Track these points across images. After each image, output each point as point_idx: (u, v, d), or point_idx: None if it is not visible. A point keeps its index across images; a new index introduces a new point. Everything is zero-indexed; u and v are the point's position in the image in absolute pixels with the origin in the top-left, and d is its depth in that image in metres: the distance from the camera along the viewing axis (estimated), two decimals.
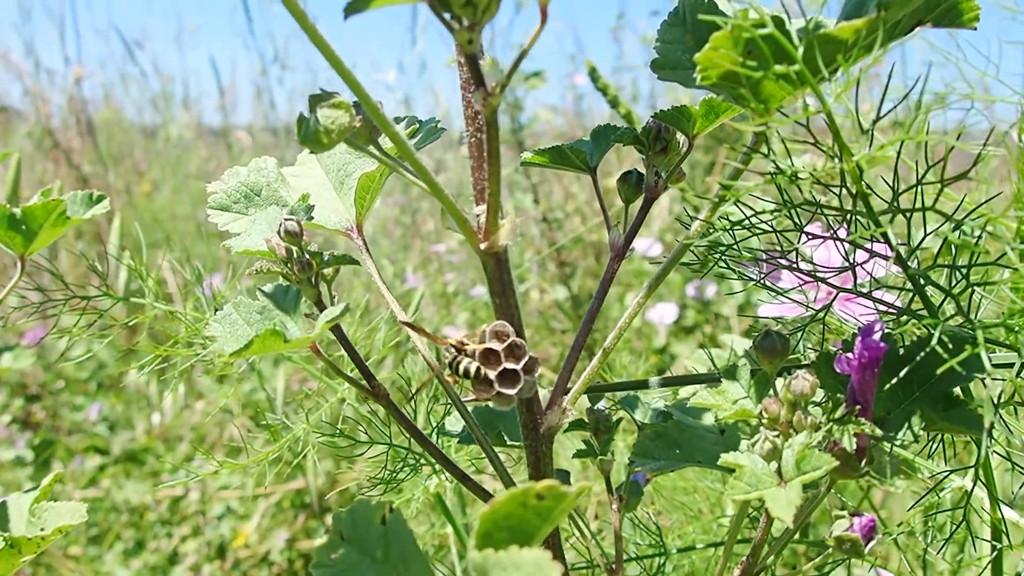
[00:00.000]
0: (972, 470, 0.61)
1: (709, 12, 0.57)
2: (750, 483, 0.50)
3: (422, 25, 5.66)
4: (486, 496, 0.67)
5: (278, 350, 0.58)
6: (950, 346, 0.52)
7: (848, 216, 0.56)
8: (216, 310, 0.63)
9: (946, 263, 0.56)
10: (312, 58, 7.15)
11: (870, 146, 0.51)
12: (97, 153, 5.14)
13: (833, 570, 0.72)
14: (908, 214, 0.55)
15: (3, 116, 5.57)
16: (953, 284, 0.56)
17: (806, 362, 0.67)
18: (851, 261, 0.61)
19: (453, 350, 0.58)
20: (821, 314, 0.68)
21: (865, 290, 0.62)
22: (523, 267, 3.15)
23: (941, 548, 0.87)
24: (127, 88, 6.56)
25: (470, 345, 0.57)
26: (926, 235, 0.56)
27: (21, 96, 5.60)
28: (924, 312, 0.58)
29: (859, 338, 0.52)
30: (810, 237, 0.62)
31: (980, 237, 0.53)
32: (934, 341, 0.51)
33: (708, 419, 0.67)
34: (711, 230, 0.64)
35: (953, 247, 0.56)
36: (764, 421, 0.54)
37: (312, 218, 0.67)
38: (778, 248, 0.64)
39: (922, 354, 0.55)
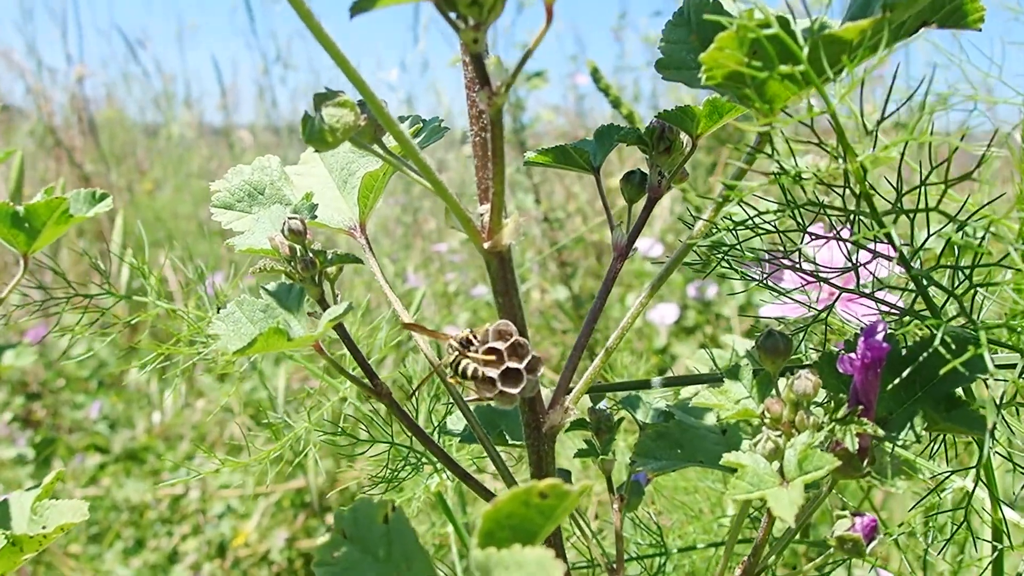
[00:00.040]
0: (973, 471, 0.61)
1: (714, 12, 0.57)
2: (752, 483, 0.51)
3: (424, 24, 5.67)
4: (488, 495, 0.67)
5: (281, 348, 0.58)
6: (953, 347, 0.52)
7: (851, 216, 0.56)
8: (219, 308, 0.63)
9: (949, 264, 0.56)
10: (315, 57, 7.16)
11: (874, 147, 0.51)
12: (99, 152, 5.14)
13: (834, 570, 0.72)
14: (911, 215, 0.55)
15: (5, 115, 5.57)
16: (956, 285, 0.56)
17: (808, 362, 0.67)
18: (854, 261, 0.61)
19: (456, 350, 0.58)
20: (824, 314, 0.68)
21: (868, 290, 0.62)
22: (524, 267, 3.15)
23: (942, 549, 0.86)
24: (129, 87, 6.57)
25: (475, 343, 0.57)
26: (929, 236, 0.56)
27: (23, 95, 5.60)
28: (927, 313, 0.58)
29: (862, 338, 0.52)
30: (813, 237, 0.62)
31: (983, 238, 0.53)
32: (937, 342, 0.51)
33: (710, 419, 0.67)
34: (714, 230, 0.64)
35: (956, 248, 0.56)
36: (766, 421, 0.54)
37: (315, 217, 0.67)
38: (781, 248, 0.64)
39: (925, 355, 0.55)
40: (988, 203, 0.52)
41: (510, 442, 0.74)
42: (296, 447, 0.95)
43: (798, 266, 0.64)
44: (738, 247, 0.66)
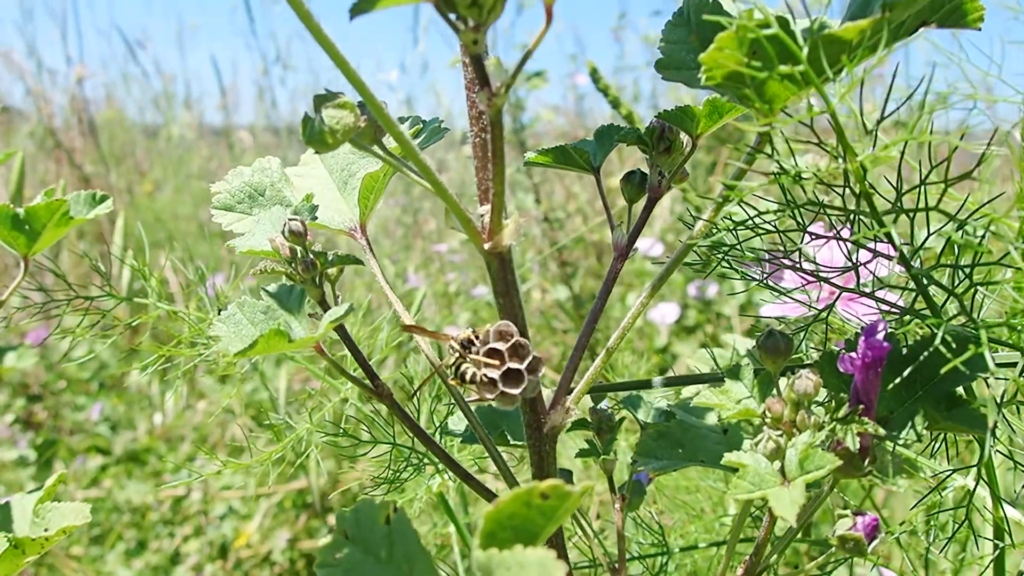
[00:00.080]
0: (974, 469, 0.61)
1: (713, 12, 0.57)
2: (753, 482, 0.51)
3: (424, 25, 5.67)
4: (489, 495, 0.67)
5: (282, 350, 0.58)
6: (953, 346, 0.52)
7: (851, 216, 0.56)
8: (219, 310, 0.63)
9: (949, 263, 0.56)
10: (314, 58, 7.16)
11: (874, 146, 0.51)
12: (99, 153, 5.14)
13: (835, 569, 0.72)
14: (911, 214, 0.55)
15: (5, 116, 5.57)
16: (956, 284, 0.56)
17: (809, 362, 0.67)
18: (854, 261, 0.61)
19: (456, 352, 0.58)
20: (824, 314, 0.68)
21: (868, 290, 0.62)
22: (525, 267, 3.15)
23: (943, 547, 0.86)
24: (129, 88, 6.57)
25: (476, 344, 0.57)
26: (929, 235, 0.56)
27: (23, 96, 5.61)
28: (927, 312, 0.58)
29: (862, 338, 0.52)
30: (813, 237, 0.62)
31: (983, 237, 0.53)
32: (937, 341, 0.51)
33: (711, 419, 0.67)
34: (714, 230, 0.64)
35: (956, 247, 0.56)
36: (767, 420, 0.54)
37: (316, 218, 0.67)
38: (781, 248, 0.64)
39: (925, 354, 0.55)
40: (988, 202, 0.52)
41: (511, 442, 0.74)
42: (298, 448, 0.95)
43: (798, 266, 0.64)
44: (738, 247, 0.66)
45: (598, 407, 0.73)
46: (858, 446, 0.53)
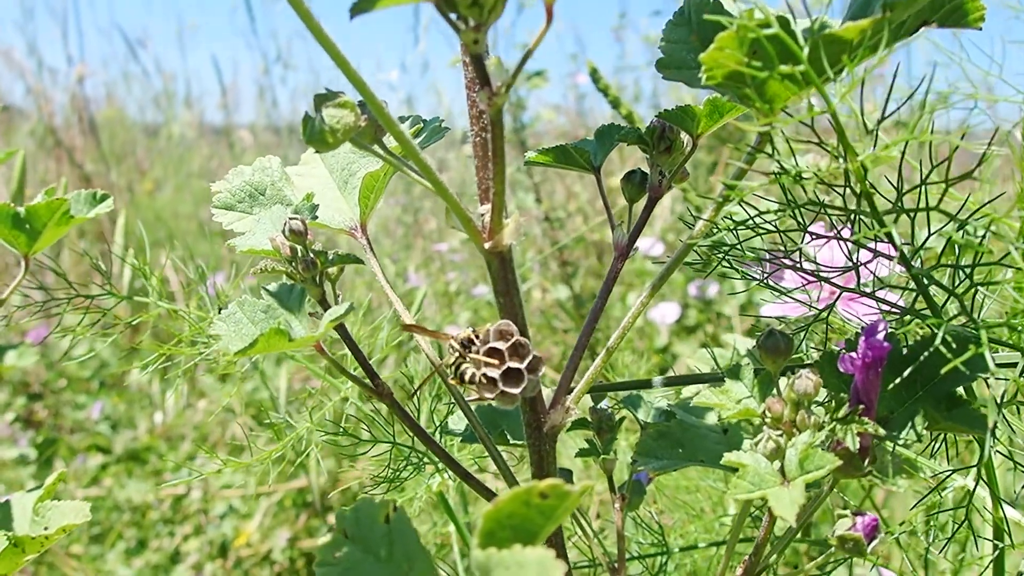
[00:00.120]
0: (974, 469, 0.61)
1: (714, 12, 0.57)
2: (753, 482, 0.51)
3: (425, 25, 5.67)
4: (489, 495, 0.67)
5: (282, 349, 0.58)
6: (953, 346, 0.52)
7: (852, 216, 0.56)
8: (220, 309, 0.63)
9: (950, 263, 0.56)
10: (315, 57, 7.17)
11: (874, 146, 0.51)
12: (99, 152, 5.14)
13: (835, 569, 0.72)
14: (912, 214, 0.55)
15: (6, 115, 5.57)
16: (956, 284, 0.56)
17: (809, 362, 0.67)
18: (855, 261, 0.61)
19: (457, 351, 0.58)
20: (824, 314, 0.68)
21: (868, 290, 0.62)
22: (525, 266, 3.15)
23: (943, 547, 0.86)
24: (129, 87, 6.58)
25: (476, 344, 0.57)
26: (930, 235, 0.56)
27: (24, 95, 5.61)
28: (927, 312, 0.58)
29: (862, 338, 0.52)
30: (814, 237, 0.62)
31: (984, 237, 0.53)
32: (937, 341, 0.51)
33: (711, 418, 0.67)
34: (714, 230, 0.64)
35: (957, 247, 0.56)
36: (767, 420, 0.54)
37: (316, 217, 0.67)
38: (782, 248, 0.64)
39: (925, 354, 0.55)
40: (989, 202, 0.52)
41: (511, 442, 0.74)
42: (298, 447, 0.95)
43: (799, 265, 0.64)
44: (739, 247, 0.66)
45: (598, 407, 0.73)
46: (858, 446, 0.53)
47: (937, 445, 0.64)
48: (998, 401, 0.57)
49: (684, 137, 0.66)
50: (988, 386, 0.54)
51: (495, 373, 0.56)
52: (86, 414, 2.88)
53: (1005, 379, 0.57)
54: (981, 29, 0.54)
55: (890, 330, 0.54)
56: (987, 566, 0.74)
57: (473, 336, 0.58)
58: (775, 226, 0.63)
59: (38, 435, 2.73)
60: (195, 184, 5.27)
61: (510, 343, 0.56)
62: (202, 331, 0.96)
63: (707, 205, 0.62)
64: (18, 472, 2.54)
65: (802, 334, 0.71)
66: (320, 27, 0.45)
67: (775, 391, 0.56)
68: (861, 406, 0.53)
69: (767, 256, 0.66)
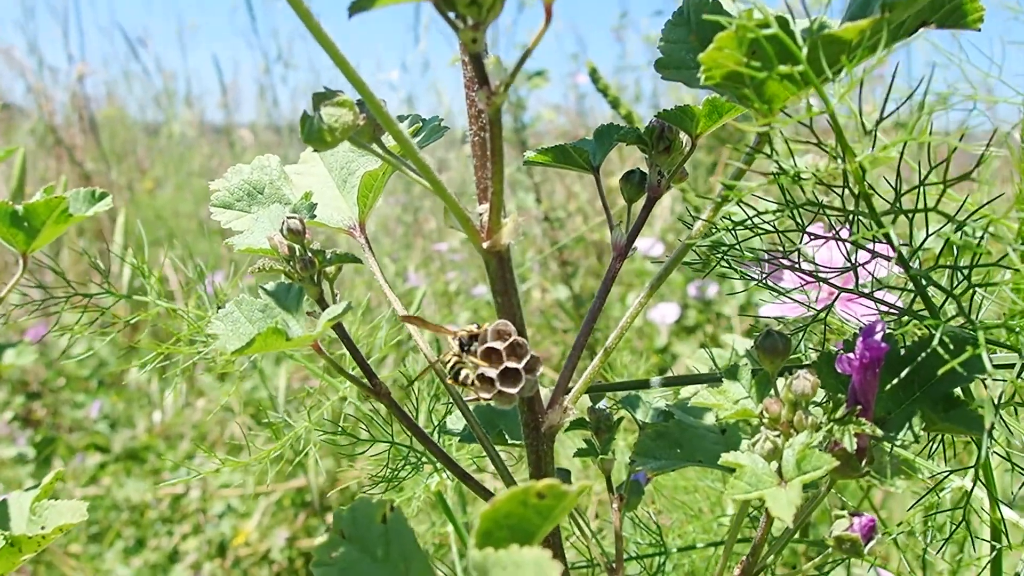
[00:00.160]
0: (972, 470, 0.61)
1: (713, 12, 0.57)
2: (750, 483, 0.51)
3: (425, 24, 5.67)
4: (487, 495, 0.67)
5: (280, 348, 0.58)
6: (951, 347, 0.52)
7: (850, 216, 0.56)
8: (218, 308, 0.63)
9: (948, 264, 0.56)
10: (315, 56, 7.16)
11: (873, 147, 0.51)
12: (100, 150, 5.14)
13: (833, 570, 0.72)
14: (910, 215, 0.55)
15: (6, 113, 5.57)
16: (955, 285, 0.56)
17: (807, 362, 0.67)
18: (853, 261, 0.61)
19: (455, 351, 0.58)
20: (823, 314, 0.68)
21: (867, 290, 0.62)
22: (525, 266, 3.15)
23: (941, 548, 0.87)
24: (130, 85, 6.58)
25: (475, 344, 0.57)
26: (928, 236, 0.56)
27: (24, 93, 5.61)
28: (925, 313, 0.58)
29: (860, 338, 0.52)
30: (812, 237, 0.62)
31: (982, 238, 0.53)
32: (935, 342, 0.51)
33: (709, 419, 0.67)
34: (713, 230, 0.64)
35: (955, 248, 0.56)
36: (765, 421, 0.54)
37: (315, 216, 0.67)
38: (780, 248, 0.64)
39: (923, 355, 0.55)
40: (987, 203, 0.52)
41: (510, 442, 0.74)
42: (296, 446, 0.95)
43: (797, 266, 0.64)
44: (737, 247, 0.66)
45: (596, 407, 0.73)
46: (855, 447, 0.53)
47: (935, 446, 0.64)
48: (996, 402, 0.57)
49: (683, 137, 0.66)
50: (986, 387, 0.54)
51: (492, 373, 0.56)
52: (84, 413, 2.88)
53: (1003, 380, 0.57)
54: (980, 30, 0.54)
55: (888, 331, 0.54)
56: (984, 567, 0.74)
57: (475, 332, 0.58)
58: (774, 226, 0.63)
59: (36, 434, 2.73)
60: (195, 183, 5.27)
61: (508, 343, 0.56)
62: (201, 330, 0.96)
63: (706, 205, 0.62)
64: (16, 471, 2.54)
65: (800, 334, 0.71)
66: (319, 26, 0.45)
67: (773, 392, 0.56)
68: (859, 407, 0.53)
69: (766, 256, 0.66)
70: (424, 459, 0.90)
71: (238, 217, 0.72)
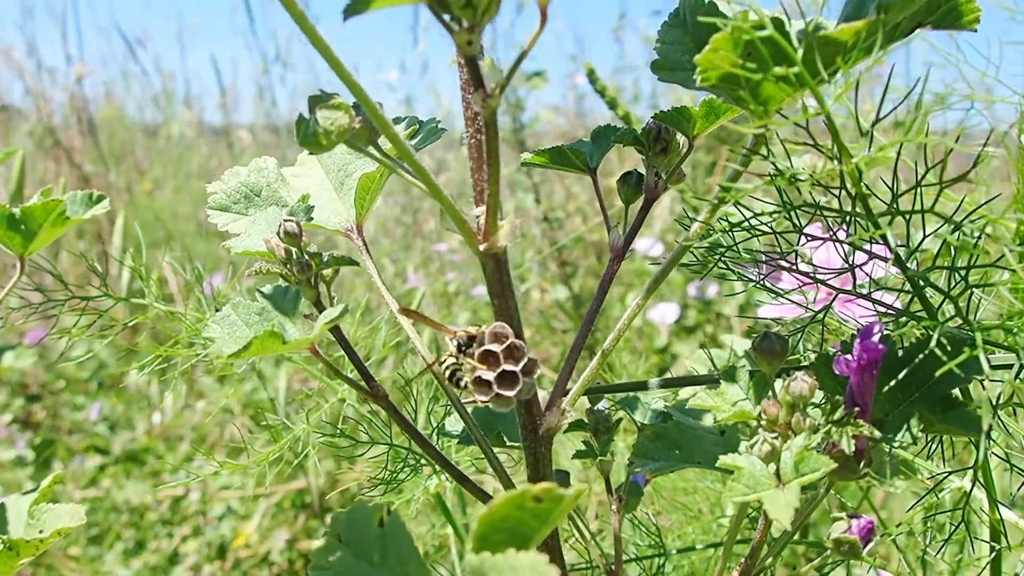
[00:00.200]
0: (971, 471, 0.61)
1: (709, 14, 0.57)
2: (749, 485, 0.50)
3: (424, 25, 5.67)
4: (484, 497, 0.67)
5: (276, 351, 0.58)
6: (949, 348, 0.52)
7: (847, 218, 0.56)
8: (216, 310, 0.63)
9: (945, 265, 0.56)
10: (314, 58, 7.16)
11: (870, 147, 0.51)
12: (98, 152, 5.14)
13: (832, 570, 0.72)
14: (907, 216, 0.55)
15: (5, 115, 5.57)
16: (952, 286, 0.56)
17: (805, 363, 0.67)
18: (850, 262, 0.61)
19: (453, 352, 0.58)
20: (820, 315, 0.68)
21: (864, 291, 0.62)
22: (524, 267, 3.15)
23: (940, 548, 0.86)
24: (129, 86, 6.57)
25: (473, 346, 0.57)
26: (925, 237, 0.56)
27: (23, 95, 5.61)
28: (923, 314, 0.58)
29: (858, 340, 0.52)
30: (809, 238, 0.62)
31: (979, 239, 0.53)
32: (933, 343, 0.51)
33: (708, 420, 0.67)
34: (711, 231, 0.64)
35: (952, 249, 0.56)
36: (763, 423, 0.54)
37: (312, 218, 0.67)
38: (778, 249, 0.64)
39: (921, 356, 0.55)
40: (985, 203, 0.52)
41: (508, 444, 0.74)
42: (296, 448, 0.95)
43: (795, 267, 0.64)
44: (735, 248, 0.66)
45: (595, 408, 0.73)
46: (853, 448, 0.53)
47: (934, 446, 0.64)
48: (994, 403, 0.57)
49: (680, 138, 0.65)
50: (984, 388, 0.54)
51: (490, 376, 0.56)
52: (84, 415, 2.88)
53: (1001, 381, 0.57)
54: (976, 31, 0.54)
55: (886, 332, 0.54)
56: (984, 567, 0.74)
57: (470, 337, 0.58)
58: (771, 228, 0.63)
59: (36, 436, 2.73)
60: (194, 184, 5.27)
61: (505, 345, 0.56)
62: (199, 332, 0.96)
63: (704, 206, 0.62)
64: (16, 473, 2.54)
65: (798, 335, 0.71)
66: (314, 29, 0.45)
67: (771, 393, 0.56)
68: (856, 408, 0.53)
69: (764, 257, 0.66)
70: (423, 461, 0.90)
71: (235, 219, 0.72)
